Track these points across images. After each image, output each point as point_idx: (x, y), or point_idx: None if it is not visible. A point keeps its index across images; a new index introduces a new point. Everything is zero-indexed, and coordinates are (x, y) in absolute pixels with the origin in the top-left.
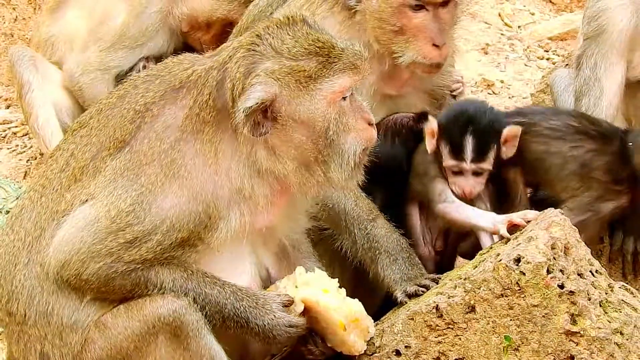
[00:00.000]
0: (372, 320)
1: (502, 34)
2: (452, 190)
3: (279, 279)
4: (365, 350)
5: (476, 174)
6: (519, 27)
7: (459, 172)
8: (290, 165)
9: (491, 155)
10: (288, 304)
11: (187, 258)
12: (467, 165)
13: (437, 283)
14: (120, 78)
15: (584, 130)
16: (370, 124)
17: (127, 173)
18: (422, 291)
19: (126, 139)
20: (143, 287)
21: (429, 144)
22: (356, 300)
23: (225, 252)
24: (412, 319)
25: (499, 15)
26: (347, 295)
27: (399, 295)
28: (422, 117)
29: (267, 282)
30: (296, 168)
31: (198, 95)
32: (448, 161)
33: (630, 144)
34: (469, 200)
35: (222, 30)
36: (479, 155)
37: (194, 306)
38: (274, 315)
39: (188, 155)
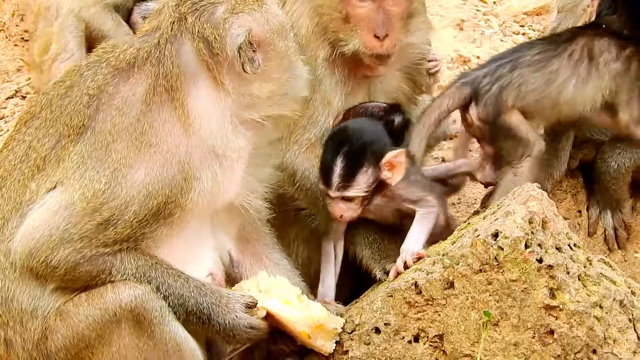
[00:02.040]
0: (337, 317)
1: (477, 10)
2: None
3: (243, 268)
4: (344, 328)
5: (346, 199)
6: (494, 2)
7: (328, 196)
8: (274, 89)
9: (362, 182)
10: (251, 306)
11: (158, 236)
12: (332, 192)
13: (420, 259)
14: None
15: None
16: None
17: (95, 154)
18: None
19: (86, 123)
20: (107, 274)
21: None
22: (318, 304)
23: (186, 236)
24: (391, 296)
25: None
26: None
27: (378, 273)
28: (393, 108)
29: (230, 268)
30: (278, 95)
31: (159, 68)
32: (319, 184)
33: None
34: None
35: None
36: (346, 183)
37: (157, 293)
38: (236, 315)
39: (157, 123)
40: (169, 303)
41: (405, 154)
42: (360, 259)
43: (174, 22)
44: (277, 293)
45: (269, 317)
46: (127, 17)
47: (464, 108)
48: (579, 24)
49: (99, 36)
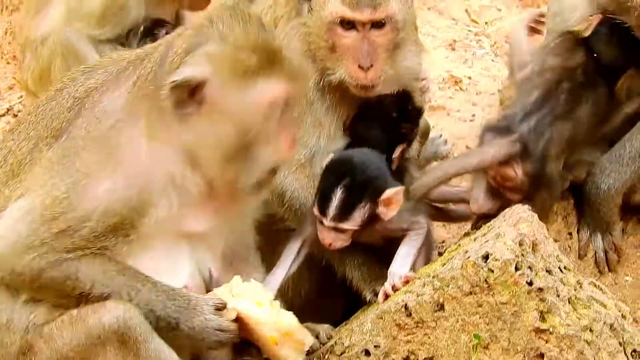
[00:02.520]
0: (309, 332)
1: (469, 30)
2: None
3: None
4: (334, 350)
5: (339, 230)
6: (485, 23)
7: (321, 222)
8: (212, 156)
9: (358, 217)
10: (220, 307)
11: (119, 250)
12: (326, 221)
13: (408, 282)
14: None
15: None
16: (291, 148)
17: (64, 160)
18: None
19: (63, 127)
20: (74, 279)
21: None
22: (290, 313)
23: (161, 248)
24: (381, 318)
25: (466, 11)
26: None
27: (368, 295)
28: (405, 97)
29: (210, 284)
30: (217, 161)
31: (142, 70)
32: (314, 209)
33: None
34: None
35: None
36: (342, 216)
37: (139, 310)
38: (205, 318)
39: (125, 137)
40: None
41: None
42: (350, 279)
43: (180, 31)
44: (249, 296)
45: (239, 321)
46: None
47: (506, 162)
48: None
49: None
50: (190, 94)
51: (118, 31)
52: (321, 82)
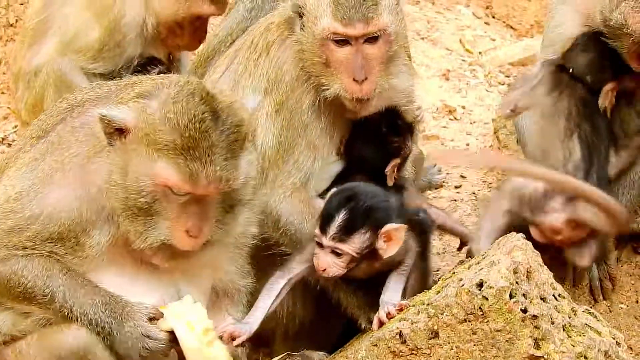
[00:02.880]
0: None
1: (463, 60)
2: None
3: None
4: None
5: (336, 253)
6: (480, 52)
7: (320, 245)
8: (114, 198)
9: (357, 242)
10: (153, 317)
11: (70, 261)
12: (326, 240)
13: (401, 309)
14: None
15: None
16: (190, 236)
17: (32, 162)
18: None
19: (48, 129)
20: (20, 275)
21: None
22: (224, 348)
23: (123, 275)
24: (376, 345)
25: (460, 41)
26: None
27: (363, 322)
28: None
29: None
30: (118, 205)
31: (107, 95)
32: (315, 229)
33: None
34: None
35: (195, 30)
36: (342, 236)
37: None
38: (134, 323)
39: (83, 153)
40: (74, 312)
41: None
42: (345, 306)
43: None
44: (187, 317)
45: (175, 340)
46: None
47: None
48: None
49: None
50: (118, 131)
51: (111, 67)
52: (316, 103)
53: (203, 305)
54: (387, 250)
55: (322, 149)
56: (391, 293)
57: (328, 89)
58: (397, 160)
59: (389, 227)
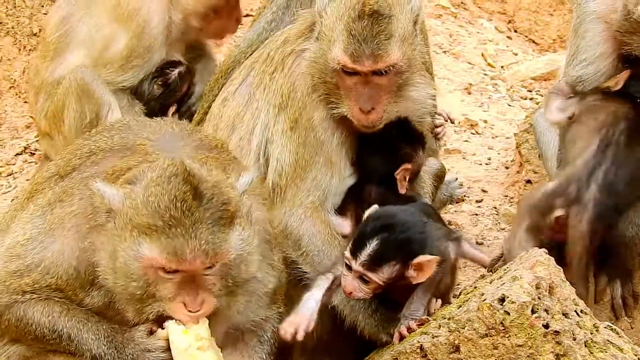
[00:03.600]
0: None
1: (485, 74)
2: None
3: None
4: None
5: (364, 280)
6: (502, 67)
7: (349, 267)
8: (107, 275)
9: (386, 272)
10: (152, 331)
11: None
12: (355, 265)
13: (422, 324)
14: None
15: None
16: (183, 313)
17: (44, 208)
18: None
19: (67, 172)
20: (25, 323)
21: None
22: (217, 356)
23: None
24: (397, 359)
25: (482, 55)
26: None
27: (384, 336)
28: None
29: None
30: (110, 282)
31: (108, 159)
32: (346, 251)
33: None
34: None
35: (230, 10)
36: (371, 266)
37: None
38: (134, 344)
39: (82, 216)
40: (79, 348)
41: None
42: (362, 328)
43: (143, 154)
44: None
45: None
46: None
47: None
48: None
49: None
50: (109, 210)
51: (139, 77)
52: (329, 118)
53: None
54: (417, 278)
55: (339, 164)
56: (414, 307)
57: (337, 108)
58: (408, 166)
59: (421, 258)
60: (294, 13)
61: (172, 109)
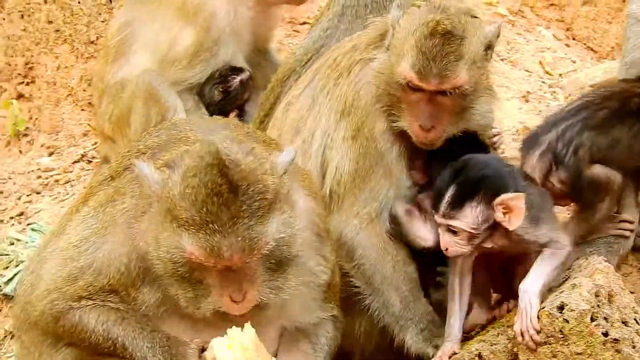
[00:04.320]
0: None
1: (543, 82)
2: None
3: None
4: None
5: (452, 231)
6: (560, 75)
7: (439, 224)
8: (156, 265)
9: (470, 216)
10: (204, 349)
11: (125, 309)
12: (438, 218)
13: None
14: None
15: None
16: (230, 306)
17: (96, 209)
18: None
19: (119, 172)
20: (80, 330)
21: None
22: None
23: (185, 328)
24: None
25: (540, 63)
26: None
27: (431, 350)
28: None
29: None
30: (160, 271)
31: (156, 151)
32: (430, 207)
33: None
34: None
35: None
36: (452, 211)
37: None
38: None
39: (133, 210)
40: (134, 356)
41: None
42: (409, 346)
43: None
44: (231, 342)
45: None
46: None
47: (545, 176)
48: None
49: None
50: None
51: (208, 72)
52: (390, 129)
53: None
54: (511, 222)
55: (398, 177)
56: (531, 281)
57: (398, 121)
58: None
59: (503, 197)
60: (349, 21)
61: (233, 114)
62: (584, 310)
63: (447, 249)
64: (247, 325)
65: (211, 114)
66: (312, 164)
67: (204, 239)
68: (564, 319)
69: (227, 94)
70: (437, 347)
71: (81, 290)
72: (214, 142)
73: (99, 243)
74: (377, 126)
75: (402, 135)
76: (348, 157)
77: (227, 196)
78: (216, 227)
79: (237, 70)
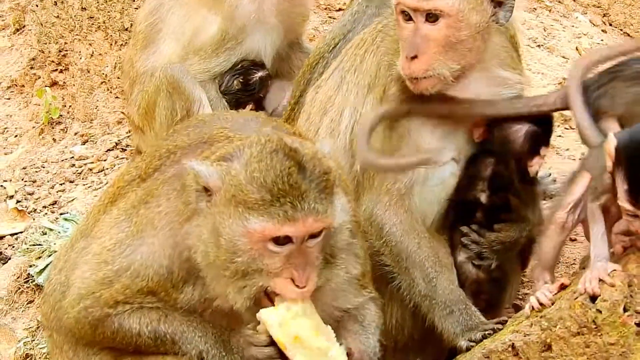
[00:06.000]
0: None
1: None
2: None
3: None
4: None
5: None
6: None
7: (634, 216)
8: (206, 258)
9: None
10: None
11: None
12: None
13: (503, 324)
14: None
15: None
16: (296, 285)
17: (129, 210)
18: (489, 334)
19: (149, 174)
20: (122, 335)
21: (608, 164)
22: (324, 327)
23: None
24: (488, 357)
25: (577, 49)
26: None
27: (464, 343)
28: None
29: None
30: (211, 266)
31: (194, 147)
32: (623, 202)
33: None
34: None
35: None
36: None
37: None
38: (240, 335)
39: (173, 213)
40: (183, 349)
41: None
42: (440, 330)
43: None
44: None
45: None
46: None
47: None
48: None
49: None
50: (204, 190)
51: (232, 61)
52: (407, 92)
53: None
54: None
55: (426, 147)
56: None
57: (396, 67)
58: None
59: None
60: (376, 6)
61: (250, 107)
62: (616, 300)
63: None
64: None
65: (227, 103)
66: (340, 143)
67: (276, 211)
68: (597, 309)
69: (246, 85)
70: (471, 341)
71: (117, 294)
72: (272, 133)
73: (135, 245)
74: (393, 90)
75: (425, 100)
76: (376, 131)
77: (296, 177)
78: (288, 199)
79: (259, 66)
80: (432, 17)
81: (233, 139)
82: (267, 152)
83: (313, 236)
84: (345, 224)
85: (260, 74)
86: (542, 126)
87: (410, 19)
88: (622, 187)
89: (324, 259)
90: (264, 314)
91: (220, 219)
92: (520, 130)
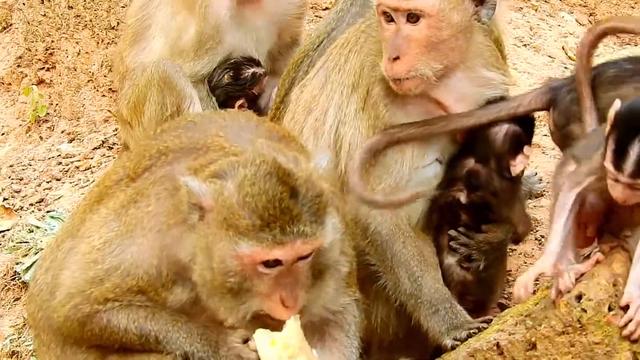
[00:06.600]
0: None
1: (565, 68)
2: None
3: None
4: None
5: (634, 188)
6: None
7: (616, 180)
8: (199, 275)
9: None
10: (246, 339)
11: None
12: (622, 178)
13: (488, 323)
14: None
15: None
16: (284, 306)
17: (118, 210)
18: (475, 333)
19: (138, 174)
20: (110, 331)
21: (607, 129)
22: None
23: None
24: (473, 356)
25: (563, 48)
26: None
27: (449, 342)
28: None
29: None
30: (203, 283)
31: (187, 157)
32: (607, 163)
33: None
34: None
35: None
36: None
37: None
38: (227, 347)
39: (162, 215)
40: (168, 348)
41: None
42: (425, 329)
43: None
44: (274, 336)
45: None
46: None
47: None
48: None
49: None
50: (197, 206)
51: (217, 60)
52: (396, 99)
53: (297, 322)
54: None
55: (410, 151)
56: None
57: (380, 68)
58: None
59: None
60: (360, 5)
61: (240, 102)
62: (602, 299)
63: (624, 200)
64: (291, 320)
65: (216, 97)
66: (324, 142)
67: (266, 236)
68: (582, 308)
69: (236, 79)
70: (456, 339)
71: (107, 292)
72: (267, 152)
73: (125, 245)
74: (376, 91)
75: (415, 109)
76: (359, 131)
77: (288, 202)
78: (278, 224)
79: (254, 62)
80: (413, 17)
81: (228, 151)
82: (261, 175)
83: (303, 257)
84: (335, 242)
85: (253, 70)
86: (523, 125)
87: (391, 20)
88: (610, 148)
89: (312, 275)
90: (258, 337)
91: (212, 239)
92: (501, 130)
